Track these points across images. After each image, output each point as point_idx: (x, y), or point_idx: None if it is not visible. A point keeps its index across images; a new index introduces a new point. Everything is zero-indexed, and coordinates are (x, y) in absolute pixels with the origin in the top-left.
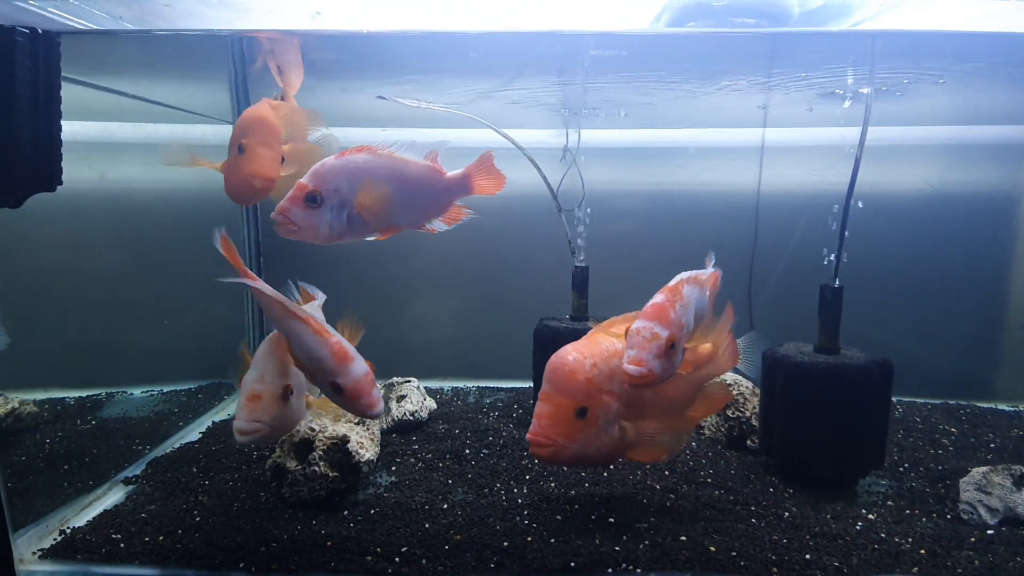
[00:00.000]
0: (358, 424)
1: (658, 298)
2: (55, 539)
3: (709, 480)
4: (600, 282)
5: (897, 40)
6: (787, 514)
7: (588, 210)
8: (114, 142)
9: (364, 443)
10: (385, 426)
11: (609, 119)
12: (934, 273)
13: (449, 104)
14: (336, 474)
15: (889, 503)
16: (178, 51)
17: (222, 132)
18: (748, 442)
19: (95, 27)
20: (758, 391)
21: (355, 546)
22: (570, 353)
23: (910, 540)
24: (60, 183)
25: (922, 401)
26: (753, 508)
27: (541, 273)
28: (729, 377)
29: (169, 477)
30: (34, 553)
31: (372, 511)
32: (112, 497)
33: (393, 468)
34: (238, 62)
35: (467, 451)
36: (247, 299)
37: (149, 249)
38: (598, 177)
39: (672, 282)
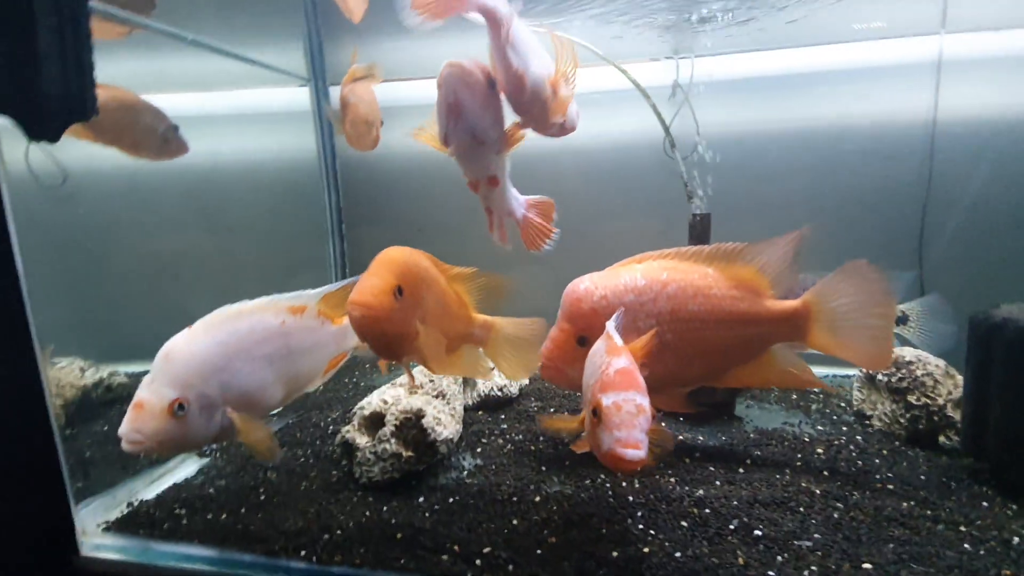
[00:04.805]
0: (436, 398)
1: (620, 363)
2: (122, 511)
3: (890, 487)
4: (720, 239)
5: None
6: (1016, 539)
7: (706, 153)
8: (205, 115)
9: (442, 419)
10: (470, 402)
11: (730, 38)
12: None
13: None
14: (410, 453)
15: None
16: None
17: (300, 94)
18: (941, 438)
19: None
20: (952, 372)
21: (429, 541)
22: (583, 282)
23: None
24: (96, 112)
25: None
26: (963, 528)
27: (646, 233)
28: (909, 353)
29: (242, 451)
30: (99, 525)
31: (451, 499)
32: (185, 470)
33: (478, 450)
34: (311, 18)
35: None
36: (331, 270)
37: (234, 224)
38: (716, 117)
39: (612, 339)
